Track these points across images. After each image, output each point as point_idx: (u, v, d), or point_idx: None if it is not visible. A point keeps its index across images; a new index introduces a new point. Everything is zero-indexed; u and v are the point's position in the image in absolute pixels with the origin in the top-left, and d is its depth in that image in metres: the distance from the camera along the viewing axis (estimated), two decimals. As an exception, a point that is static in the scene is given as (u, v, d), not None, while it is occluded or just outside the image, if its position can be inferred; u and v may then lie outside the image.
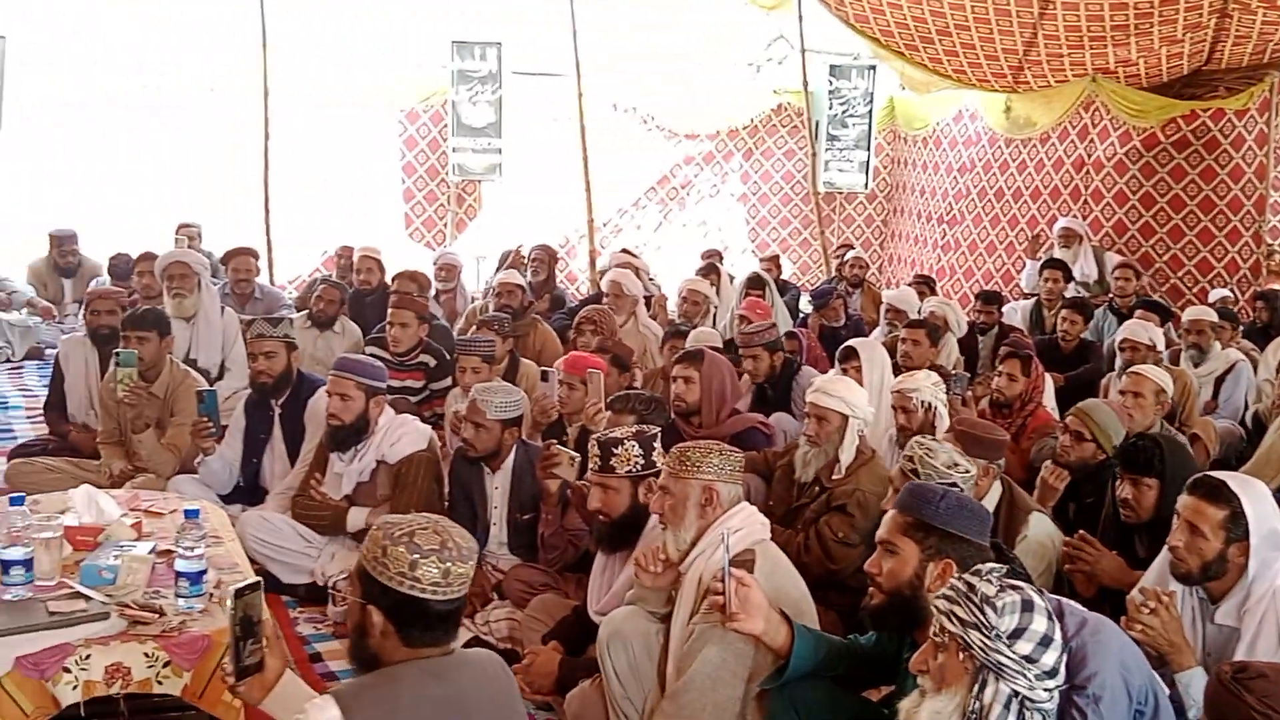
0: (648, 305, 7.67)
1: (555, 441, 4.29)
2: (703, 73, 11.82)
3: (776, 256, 10.68)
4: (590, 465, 3.45)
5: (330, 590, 4.26)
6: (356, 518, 4.34)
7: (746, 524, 2.97)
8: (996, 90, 10.57)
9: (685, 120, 12.09)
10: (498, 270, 8.67)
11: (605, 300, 7.17)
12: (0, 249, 8.94)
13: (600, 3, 10.84)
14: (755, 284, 7.48)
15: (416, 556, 2.09)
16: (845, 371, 5.06)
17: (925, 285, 8.43)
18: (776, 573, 2.91)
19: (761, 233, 12.55)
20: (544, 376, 5.17)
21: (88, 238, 9.07)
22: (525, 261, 8.59)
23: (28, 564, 2.97)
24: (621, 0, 10.95)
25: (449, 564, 2.11)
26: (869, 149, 12.04)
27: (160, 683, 2.74)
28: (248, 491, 4.94)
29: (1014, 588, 2.08)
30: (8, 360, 8.28)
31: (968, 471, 3.34)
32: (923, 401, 4.46)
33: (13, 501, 3.15)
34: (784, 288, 8.93)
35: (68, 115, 10.29)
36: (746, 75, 12.13)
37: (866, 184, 12.22)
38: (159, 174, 10.32)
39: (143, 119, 10.42)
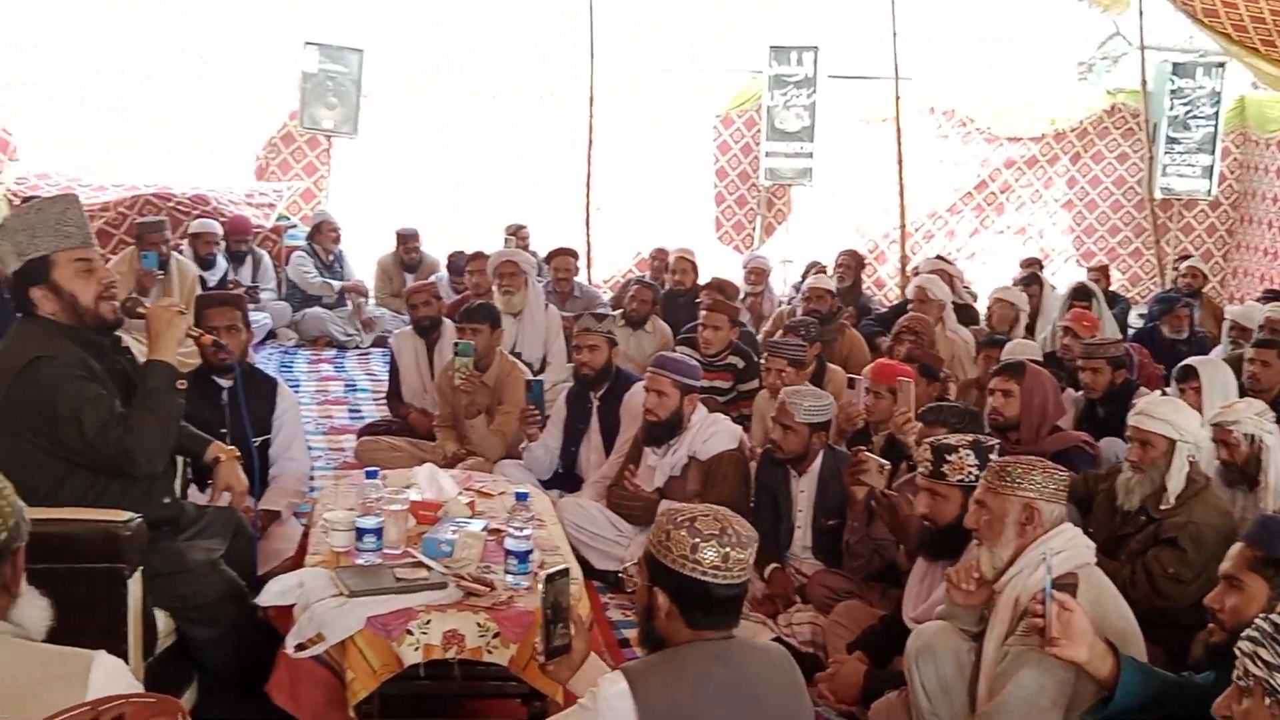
0: (962, 313, 7.43)
1: (864, 448, 4.25)
2: (1027, 73, 11.34)
3: (1105, 266, 10.04)
4: (921, 469, 3.39)
5: (621, 576, 4.42)
6: (666, 511, 4.48)
7: (1069, 546, 2.83)
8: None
9: (1007, 122, 11.62)
10: (805, 276, 8.68)
11: (910, 306, 7.01)
12: (357, 245, 9.84)
13: (921, 4, 10.62)
14: (1081, 295, 7.07)
15: (697, 540, 2.17)
16: (1183, 393, 4.69)
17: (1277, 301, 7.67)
18: (1101, 599, 2.76)
19: (1088, 241, 11.85)
20: (850, 384, 5.12)
21: (430, 236, 9.83)
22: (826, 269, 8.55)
23: (378, 533, 3.26)
24: (944, 1, 10.68)
25: (728, 549, 2.17)
26: (1214, 152, 11.10)
27: (490, 652, 2.94)
28: (565, 478, 5.20)
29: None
30: (357, 347, 9.14)
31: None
32: (1246, 434, 4.04)
33: (368, 475, 3.48)
34: (1112, 300, 8.38)
35: (416, 123, 11.23)
36: (1076, 75, 11.52)
37: (1210, 190, 11.27)
38: (493, 178, 11.05)
39: (481, 127, 11.20)
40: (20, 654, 1.72)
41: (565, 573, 2.48)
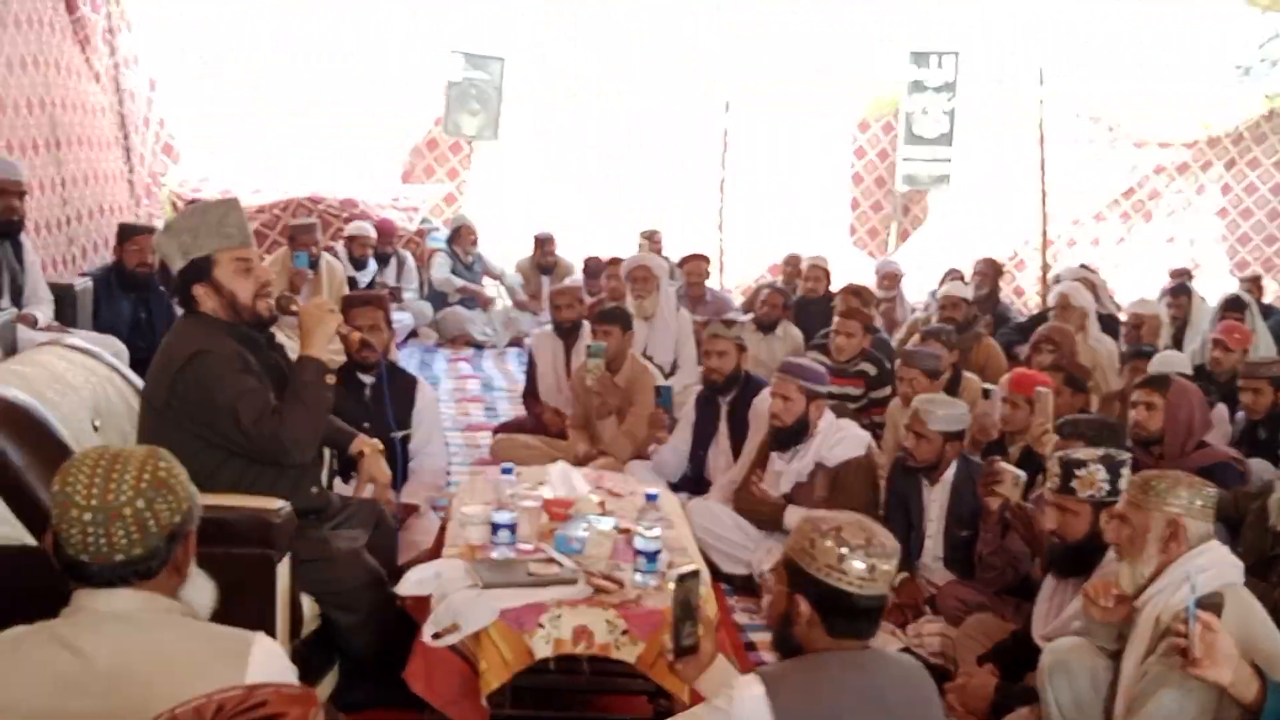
0: (1106, 323, 7.21)
1: (999, 458, 4.17)
2: (1179, 77, 10.91)
3: (1258, 277, 9.56)
4: (1049, 484, 3.32)
5: (757, 580, 4.42)
6: (793, 516, 4.47)
7: (1216, 564, 2.73)
8: None
9: (1156, 128, 11.20)
10: (942, 283, 8.54)
11: (1052, 314, 6.83)
12: (495, 248, 10.07)
13: (1067, 5, 10.33)
14: (1234, 306, 6.79)
15: (845, 550, 2.16)
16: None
17: None
18: (1249, 621, 2.65)
19: (1241, 250, 11.32)
20: (985, 394, 5.03)
21: (565, 240, 10.00)
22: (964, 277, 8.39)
23: (513, 527, 3.35)
24: (1093, 2, 10.36)
25: (874, 560, 2.16)
26: (1381, 159, 10.51)
27: (618, 648, 2.99)
28: (693, 481, 5.23)
29: None
30: (494, 346, 9.36)
31: None
32: None
33: (503, 471, 3.58)
34: (1267, 312, 8.01)
35: (553, 127, 11.43)
36: (1233, 78, 11.03)
37: (1373, 198, 10.67)
38: (628, 182, 11.18)
39: (617, 131, 11.33)
40: (188, 631, 1.84)
41: (696, 573, 2.50)
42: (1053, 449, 4.06)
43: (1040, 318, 7.40)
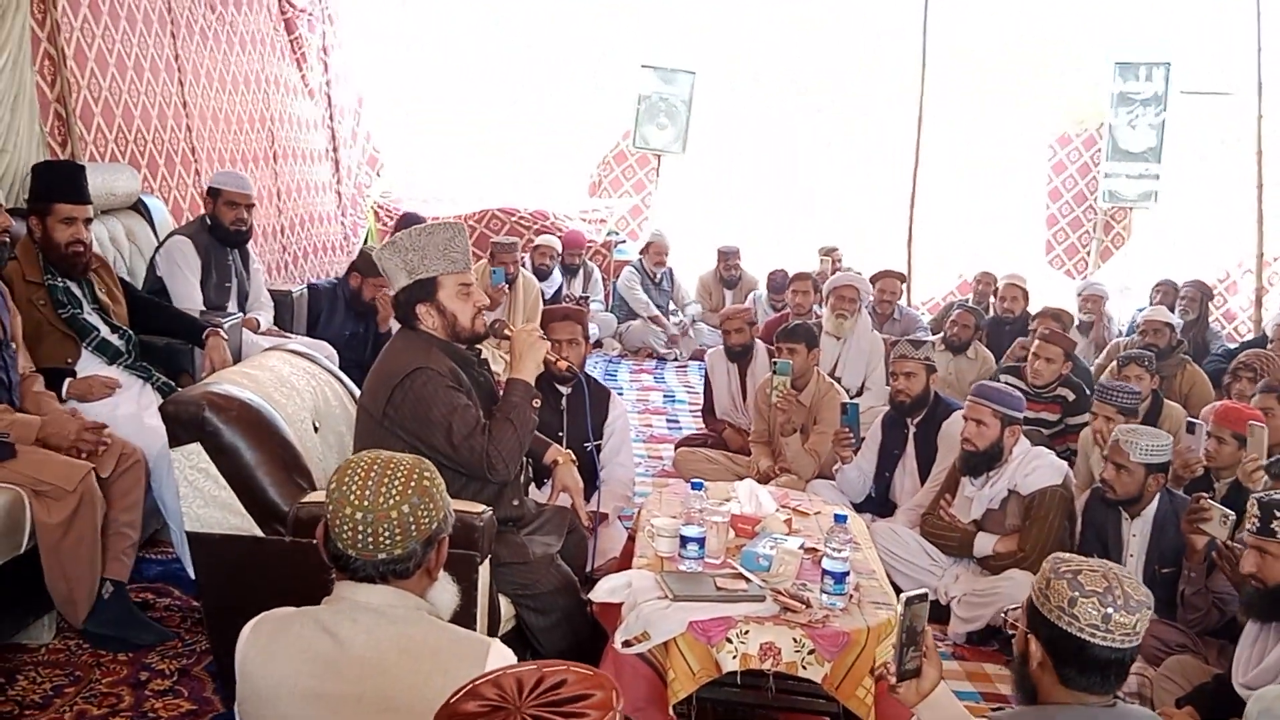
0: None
1: (1205, 495, 3.98)
2: None
3: None
4: (1248, 525, 3.17)
5: (1004, 617, 4.30)
6: (984, 543, 4.39)
7: None
8: None
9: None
10: (1153, 297, 8.19)
11: (1271, 346, 6.45)
12: (679, 260, 10.20)
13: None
14: None
15: (1077, 594, 2.08)
16: None
17: None
18: None
19: None
20: (1190, 427, 4.77)
21: (748, 253, 10.02)
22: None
23: (701, 542, 3.41)
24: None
25: (1109, 609, 2.06)
26: None
27: (804, 668, 3.00)
28: (877, 503, 5.18)
29: None
30: (675, 359, 9.47)
31: None
32: None
33: (693, 486, 3.64)
34: None
35: (740, 142, 11.50)
36: None
37: None
38: (815, 196, 11.13)
39: (805, 145, 11.31)
40: (433, 630, 1.98)
41: (924, 597, 2.44)
42: (1265, 486, 3.86)
43: (1256, 344, 6.99)
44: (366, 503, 1.93)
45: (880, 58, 11.06)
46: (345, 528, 1.94)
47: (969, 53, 10.69)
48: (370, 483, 1.95)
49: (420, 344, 3.26)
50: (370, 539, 1.94)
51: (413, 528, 1.96)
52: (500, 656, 1.93)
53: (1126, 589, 2.10)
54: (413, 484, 1.97)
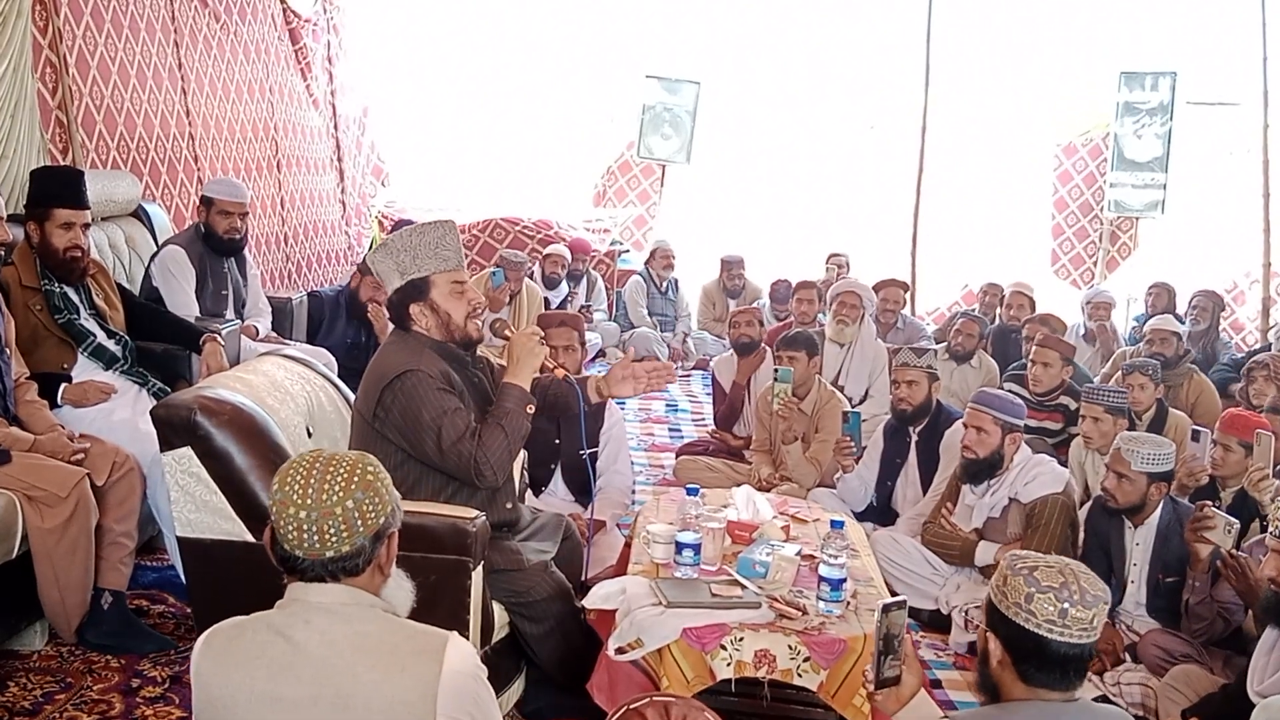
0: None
1: (1210, 503, 3.94)
2: None
3: None
4: (1271, 530, 3.13)
5: (964, 619, 4.28)
6: (985, 552, 4.35)
7: None
8: None
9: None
10: (1149, 315, 8.12)
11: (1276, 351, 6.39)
12: (682, 269, 10.18)
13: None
14: None
15: (1033, 590, 2.07)
16: None
17: None
18: None
19: None
20: (1195, 436, 4.73)
21: (752, 263, 10.00)
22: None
23: (696, 548, 3.38)
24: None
25: (1066, 604, 2.05)
26: None
27: (800, 675, 2.96)
28: (879, 512, 5.14)
29: None
30: (679, 368, 9.44)
31: None
32: None
33: (688, 492, 3.61)
34: None
35: (744, 151, 11.49)
36: None
37: None
38: (818, 205, 11.11)
39: (809, 155, 11.29)
40: (387, 626, 1.97)
41: (902, 604, 2.44)
42: (1273, 495, 3.82)
43: (1258, 354, 6.94)
44: (310, 500, 1.91)
45: (884, 68, 11.05)
46: (290, 528, 1.92)
47: (974, 62, 10.67)
48: (313, 480, 1.92)
49: (413, 346, 3.23)
50: (316, 537, 1.91)
51: (359, 523, 1.93)
52: (459, 651, 1.92)
53: (1083, 584, 2.08)
54: (356, 478, 1.94)
